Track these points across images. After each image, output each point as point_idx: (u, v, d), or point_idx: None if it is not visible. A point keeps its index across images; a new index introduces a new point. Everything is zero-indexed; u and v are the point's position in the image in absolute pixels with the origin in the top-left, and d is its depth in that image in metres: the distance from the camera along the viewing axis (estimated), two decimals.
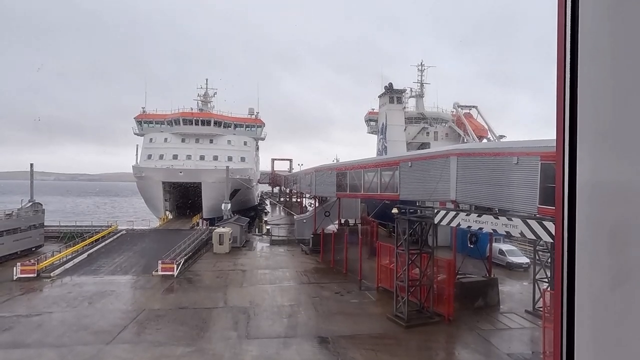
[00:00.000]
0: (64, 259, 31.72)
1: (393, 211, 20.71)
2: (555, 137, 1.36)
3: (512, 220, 14.83)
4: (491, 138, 53.59)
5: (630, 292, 1.18)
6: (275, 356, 16.22)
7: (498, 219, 15.49)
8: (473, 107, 58.08)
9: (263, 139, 71.95)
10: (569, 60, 1.31)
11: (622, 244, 1.19)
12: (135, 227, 47.53)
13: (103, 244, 37.70)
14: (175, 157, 60.60)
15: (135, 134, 64.78)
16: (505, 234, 15.96)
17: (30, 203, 40.71)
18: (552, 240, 15.08)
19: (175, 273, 28.41)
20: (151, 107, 65.64)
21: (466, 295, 21.14)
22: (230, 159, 61.47)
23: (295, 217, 50.71)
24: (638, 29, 1.14)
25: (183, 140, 62.41)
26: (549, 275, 20.67)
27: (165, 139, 62.47)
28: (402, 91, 56.51)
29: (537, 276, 21.11)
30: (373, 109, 66.55)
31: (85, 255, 33.56)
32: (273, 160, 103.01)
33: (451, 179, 19.50)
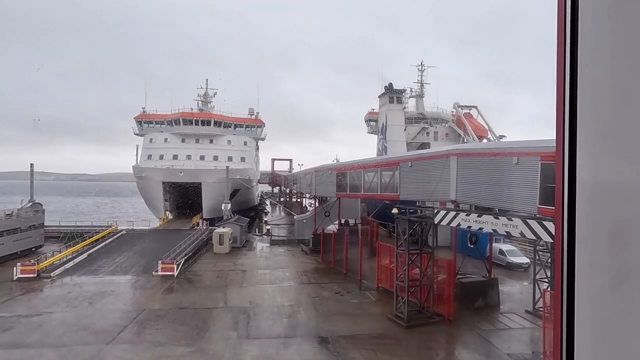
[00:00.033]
0: (64, 259, 31.73)
1: (393, 211, 20.71)
2: (555, 137, 1.36)
3: (512, 220, 14.84)
4: (491, 138, 53.60)
5: (630, 292, 1.18)
6: (275, 356, 16.21)
7: (498, 219, 15.49)
8: (473, 107, 58.09)
9: (263, 139, 71.99)
10: (569, 60, 1.31)
11: (622, 244, 1.19)
12: (135, 227, 47.53)
13: (103, 244, 37.70)
14: (175, 157, 60.62)
15: (135, 134, 64.81)
16: (505, 234, 15.97)
17: (30, 203, 40.68)
18: (552, 240, 15.08)
19: (175, 273, 28.41)
20: (151, 107, 65.75)
21: (466, 296, 21.13)
22: (230, 159, 61.49)
23: (295, 217, 50.72)
24: (638, 29, 1.14)
25: (183, 141, 62.42)
26: (549, 275, 20.66)
27: (165, 139, 62.48)
28: (402, 91, 56.52)
29: (537, 276, 21.10)
30: (373, 109, 66.57)
31: (85, 255, 33.56)
32: (273, 160, 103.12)
33: (451, 179, 19.50)
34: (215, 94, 69.46)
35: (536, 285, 20.93)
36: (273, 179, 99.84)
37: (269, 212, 75.52)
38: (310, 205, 62.20)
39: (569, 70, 1.32)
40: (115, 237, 40.73)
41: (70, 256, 32.65)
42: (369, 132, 70.24)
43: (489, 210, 17.46)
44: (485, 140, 53.36)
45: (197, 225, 48.16)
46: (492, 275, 23.67)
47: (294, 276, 29.38)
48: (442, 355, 17.40)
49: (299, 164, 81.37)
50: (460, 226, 17.41)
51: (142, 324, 19.39)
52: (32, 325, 19.07)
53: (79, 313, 20.91)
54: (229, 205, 47.83)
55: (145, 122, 64.01)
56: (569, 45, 1.31)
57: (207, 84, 69.36)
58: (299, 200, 78.10)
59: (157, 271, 28.35)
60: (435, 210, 19.02)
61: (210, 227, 43.43)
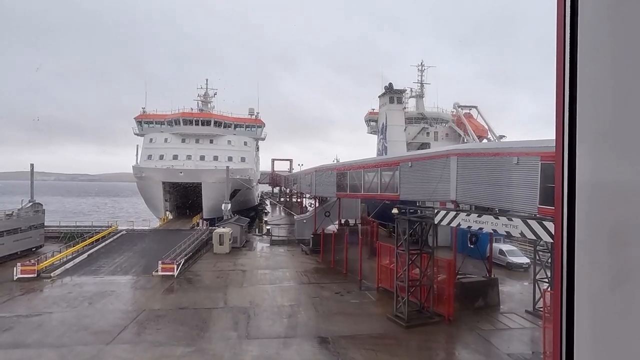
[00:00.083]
0: (64, 259, 31.73)
1: (393, 211, 20.70)
2: (555, 137, 1.36)
3: (512, 220, 14.84)
4: (491, 138, 53.62)
5: (630, 292, 1.18)
6: (275, 356, 16.21)
7: (498, 219, 15.49)
8: (473, 107, 58.12)
9: (263, 139, 72.00)
10: (569, 60, 1.31)
11: (622, 244, 1.19)
12: (135, 228, 47.54)
13: (103, 244, 37.70)
14: (175, 157, 60.63)
15: (135, 134, 64.83)
16: (505, 234, 15.97)
17: (31, 203, 40.70)
18: (552, 240, 15.08)
19: (175, 273, 28.41)
20: (151, 107, 65.78)
21: (466, 296, 21.13)
22: (230, 159, 61.50)
23: (295, 217, 50.72)
24: (638, 29, 1.14)
25: (183, 141, 62.43)
26: (549, 275, 20.66)
27: (166, 139, 62.49)
28: (402, 91, 56.51)
29: (537, 276, 21.10)
30: (373, 109, 66.55)
31: (85, 255, 33.56)
32: (273, 160, 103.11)
33: (451, 179, 19.50)
34: (215, 94, 69.54)
35: (536, 285, 20.93)
36: (273, 179, 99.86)
37: (269, 212, 75.54)
38: (310, 205, 62.21)
39: (568, 70, 1.32)
40: (115, 237, 40.73)
41: (70, 256, 32.66)
42: (369, 132, 70.25)
43: (489, 210, 17.46)
44: (485, 140, 53.38)
45: (197, 225, 48.18)
46: (492, 276, 23.66)
47: (294, 276, 29.38)
48: (442, 355, 17.40)
49: (299, 164, 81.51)
50: (460, 226, 17.41)
51: (142, 324, 19.39)
52: (32, 326, 19.07)
53: (79, 313, 20.91)
54: (229, 206, 47.84)
55: (145, 122, 64.03)
56: (569, 45, 1.31)
57: (207, 84, 69.46)
58: (299, 200, 78.12)
59: (157, 271, 28.35)
60: (435, 210, 19.02)
61: (210, 227, 43.45)
